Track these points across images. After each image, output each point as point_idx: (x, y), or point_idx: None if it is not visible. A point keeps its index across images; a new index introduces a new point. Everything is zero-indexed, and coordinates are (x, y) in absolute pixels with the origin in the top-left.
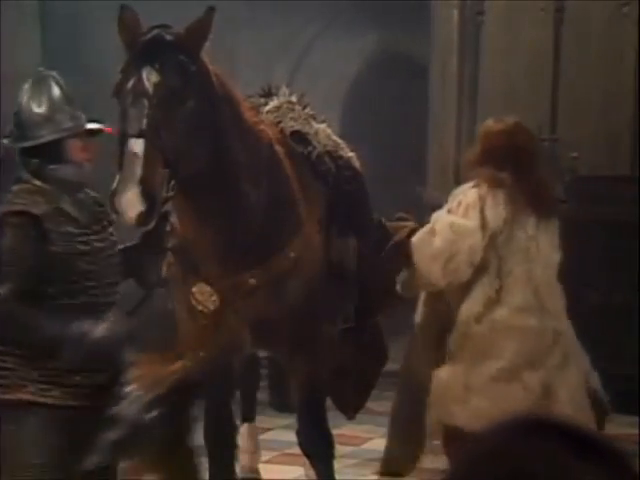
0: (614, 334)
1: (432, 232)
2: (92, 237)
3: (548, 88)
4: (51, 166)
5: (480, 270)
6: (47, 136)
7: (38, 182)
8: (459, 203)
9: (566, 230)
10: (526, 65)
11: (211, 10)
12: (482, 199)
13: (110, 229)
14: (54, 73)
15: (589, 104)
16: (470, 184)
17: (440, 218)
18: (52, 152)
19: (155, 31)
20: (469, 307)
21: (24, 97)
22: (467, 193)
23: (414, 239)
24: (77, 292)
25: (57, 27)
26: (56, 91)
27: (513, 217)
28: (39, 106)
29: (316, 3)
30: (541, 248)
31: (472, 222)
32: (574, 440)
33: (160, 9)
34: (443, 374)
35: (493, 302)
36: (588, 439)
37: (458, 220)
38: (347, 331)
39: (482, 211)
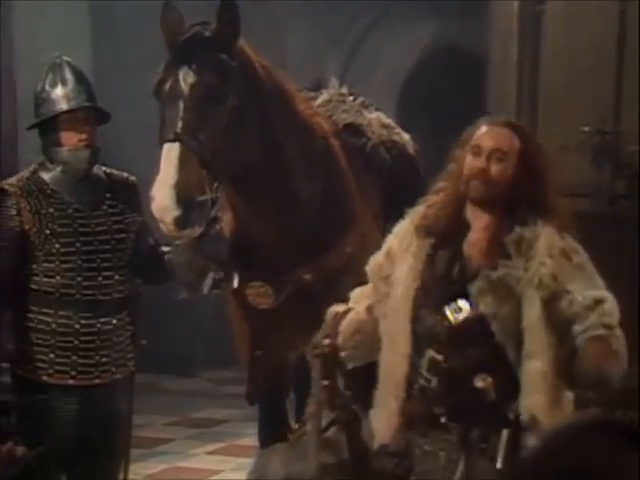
0: None
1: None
2: (82, 221)
3: (611, 80)
4: (51, 148)
5: None
6: (38, 118)
7: (48, 162)
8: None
9: (626, 227)
10: (589, 56)
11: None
12: None
13: (131, 218)
14: (69, 58)
15: None
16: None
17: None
18: (49, 135)
19: (194, 29)
20: None
21: (41, 81)
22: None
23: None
24: (52, 272)
25: (107, 25)
26: (68, 76)
27: None
28: (42, 90)
29: None
30: None
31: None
32: (637, 440)
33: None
34: None
35: None
36: None
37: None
38: None
39: None
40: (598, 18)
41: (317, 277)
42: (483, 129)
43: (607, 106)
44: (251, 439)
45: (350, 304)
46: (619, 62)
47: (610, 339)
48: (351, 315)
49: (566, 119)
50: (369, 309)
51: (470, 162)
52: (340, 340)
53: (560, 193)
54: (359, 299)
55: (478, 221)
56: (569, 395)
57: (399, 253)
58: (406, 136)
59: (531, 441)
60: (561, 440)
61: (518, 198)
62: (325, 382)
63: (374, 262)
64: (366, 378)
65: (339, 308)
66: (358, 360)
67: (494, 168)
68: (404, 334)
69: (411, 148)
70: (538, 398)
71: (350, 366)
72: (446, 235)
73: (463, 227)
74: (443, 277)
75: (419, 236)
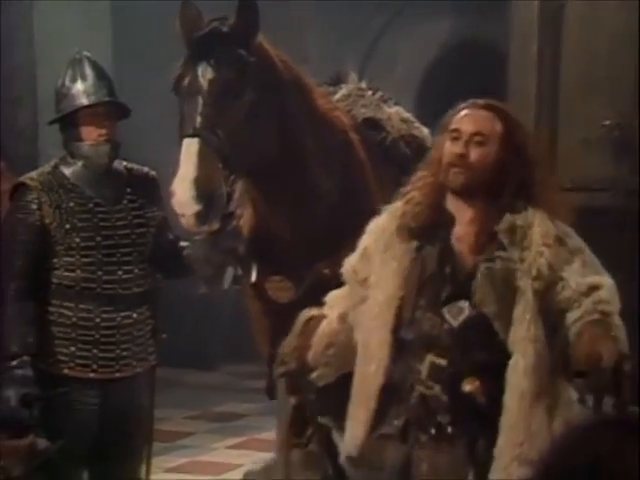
0: None
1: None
2: (102, 215)
3: (631, 74)
4: (72, 143)
5: None
6: (58, 113)
7: (69, 157)
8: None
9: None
10: (609, 50)
11: None
12: None
13: (151, 212)
14: (89, 54)
15: None
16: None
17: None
18: (69, 130)
19: (212, 25)
20: None
21: (61, 77)
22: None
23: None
24: (72, 267)
25: (127, 28)
26: (88, 71)
27: None
28: (63, 85)
29: None
30: None
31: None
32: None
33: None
34: None
35: None
36: None
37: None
38: None
39: None
40: (617, 14)
41: (336, 272)
42: (462, 112)
43: (626, 100)
44: (272, 433)
45: (325, 309)
46: (638, 57)
47: (607, 325)
48: (323, 326)
49: (586, 114)
50: (342, 317)
51: (448, 147)
52: (311, 355)
53: (552, 181)
54: (334, 304)
55: (462, 213)
56: (571, 392)
57: (376, 254)
58: (425, 130)
59: (500, 441)
60: (567, 441)
61: (503, 185)
62: (293, 401)
63: (349, 264)
64: (339, 389)
65: (313, 312)
66: (330, 378)
67: (474, 153)
68: (383, 344)
69: (430, 142)
70: (514, 394)
71: (321, 384)
72: (428, 230)
73: (446, 219)
74: (435, 276)
75: (402, 239)
